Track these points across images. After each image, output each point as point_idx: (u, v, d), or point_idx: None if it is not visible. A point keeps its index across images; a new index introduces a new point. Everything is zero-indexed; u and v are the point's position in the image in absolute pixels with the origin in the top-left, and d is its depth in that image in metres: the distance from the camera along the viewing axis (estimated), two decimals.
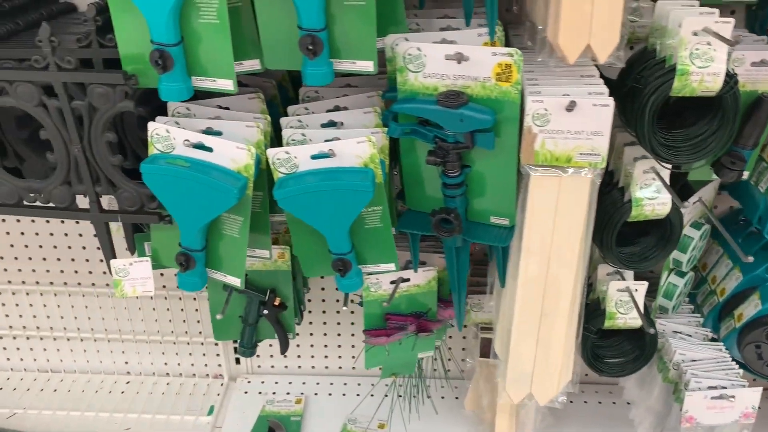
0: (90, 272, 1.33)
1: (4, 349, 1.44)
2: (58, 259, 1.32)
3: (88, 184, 0.83)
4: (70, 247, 1.31)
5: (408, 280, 1.00)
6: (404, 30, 0.84)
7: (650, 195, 0.94)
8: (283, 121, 0.87)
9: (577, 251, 0.83)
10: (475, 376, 1.30)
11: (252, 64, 0.82)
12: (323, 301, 1.36)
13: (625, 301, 1.04)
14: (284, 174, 0.82)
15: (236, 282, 0.89)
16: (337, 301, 1.36)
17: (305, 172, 0.82)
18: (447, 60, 0.78)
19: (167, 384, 1.42)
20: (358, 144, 0.80)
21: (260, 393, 1.39)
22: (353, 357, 1.42)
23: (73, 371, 1.44)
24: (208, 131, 0.84)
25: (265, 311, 1.11)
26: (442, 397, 1.36)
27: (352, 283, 0.88)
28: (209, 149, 0.81)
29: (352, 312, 1.37)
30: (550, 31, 0.77)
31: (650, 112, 0.81)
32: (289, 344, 1.16)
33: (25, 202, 0.86)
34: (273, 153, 0.81)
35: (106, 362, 1.43)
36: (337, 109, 0.91)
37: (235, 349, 1.40)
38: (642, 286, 1.03)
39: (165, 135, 0.81)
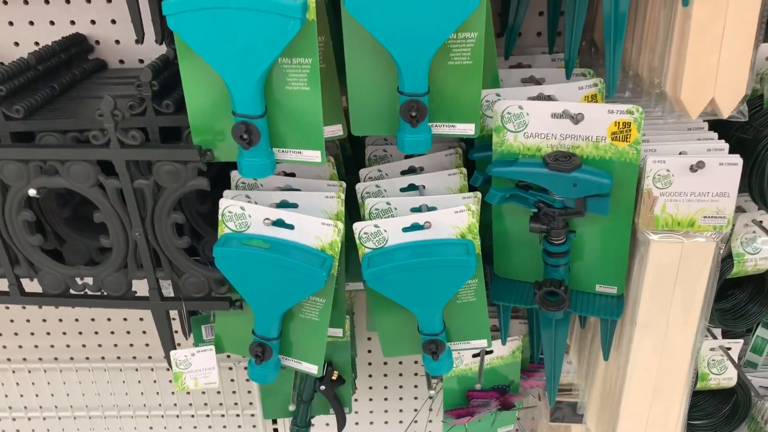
0: (115, 345, 1.22)
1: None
2: (64, 334, 1.21)
3: (149, 270, 0.73)
4: (77, 320, 1.20)
5: (491, 352, 0.91)
6: (497, 85, 0.77)
7: (752, 250, 0.87)
8: (359, 187, 0.79)
9: (697, 323, 0.76)
10: None
11: (334, 131, 0.73)
12: (369, 364, 1.26)
13: (717, 360, 0.97)
14: (372, 249, 0.73)
15: (313, 370, 0.79)
16: (385, 363, 1.26)
17: (397, 247, 0.73)
18: (553, 119, 0.70)
19: None
20: (456, 214, 0.72)
21: None
22: (400, 422, 1.33)
23: None
24: (283, 204, 0.75)
25: (322, 387, 1.02)
26: None
27: (443, 365, 0.79)
28: (290, 226, 0.71)
29: (401, 374, 1.28)
30: (669, 85, 0.70)
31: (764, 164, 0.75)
32: (346, 421, 1.06)
33: (73, 291, 0.76)
34: (360, 227, 0.72)
35: None
36: (413, 170, 0.82)
37: (275, 429, 1.30)
38: (737, 345, 0.96)
39: (239, 212, 0.71)
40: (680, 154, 0.72)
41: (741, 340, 0.94)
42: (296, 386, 0.97)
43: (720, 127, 0.77)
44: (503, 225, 0.79)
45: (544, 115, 0.70)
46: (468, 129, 0.69)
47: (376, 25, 0.61)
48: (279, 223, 0.71)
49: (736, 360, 0.95)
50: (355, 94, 0.68)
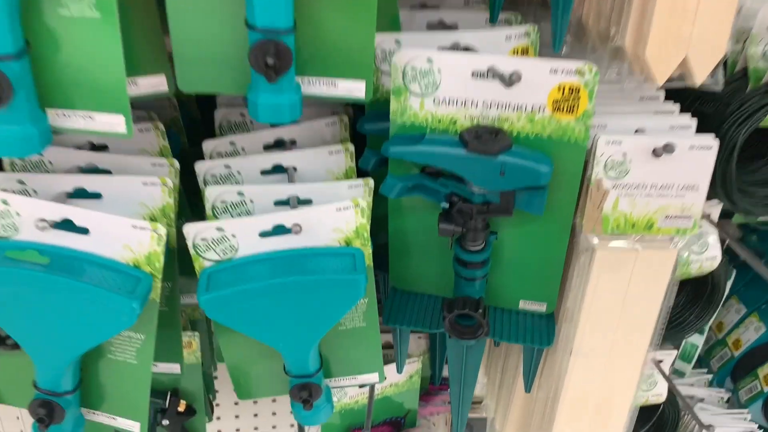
0: None
1: None
2: None
3: None
4: None
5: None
6: (396, 28, 0.55)
7: (698, 248, 0.72)
8: (200, 168, 0.55)
9: (647, 349, 0.59)
10: None
11: (154, 84, 0.49)
12: None
13: (646, 374, 0.82)
14: (214, 262, 0.50)
15: (134, 427, 0.56)
16: None
17: (251, 260, 0.50)
18: (475, 79, 0.50)
19: None
20: (338, 212, 0.50)
21: None
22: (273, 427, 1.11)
23: None
24: (79, 193, 0.50)
25: (165, 421, 0.78)
26: None
27: (319, 414, 0.58)
28: (83, 230, 0.47)
29: None
30: (629, 38, 0.51)
31: (732, 147, 0.59)
32: None
33: None
34: (195, 231, 0.49)
35: None
36: (280, 144, 0.60)
37: None
38: (669, 356, 0.81)
39: (2, 209, 0.46)
40: (636, 132, 0.54)
41: (674, 351, 0.80)
42: None
43: (672, 96, 0.60)
44: (402, 223, 0.58)
45: (463, 73, 0.49)
46: (356, 89, 0.47)
47: None
48: (67, 226, 0.47)
49: (666, 373, 0.81)
50: (180, 29, 0.44)
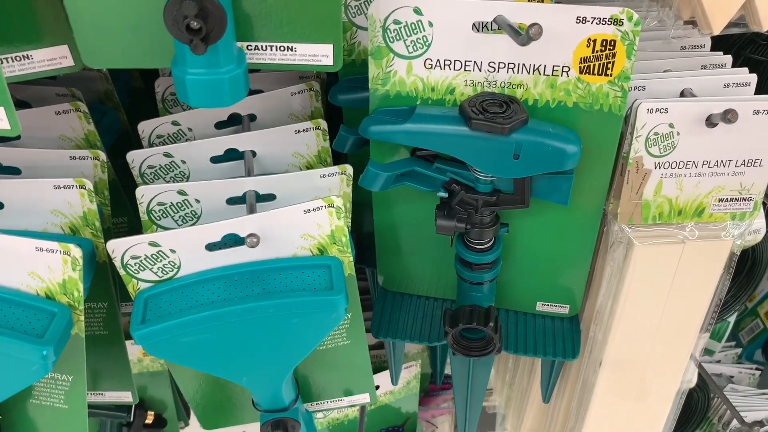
0: None
1: None
2: None
3: None
4: None
5: (377, 387, 0.61)
6: None
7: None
8: (134, 159, 0.44)
9: (689, 355, 0.49)
10: None
11: (53, 57, 0.37)
12: None
13: None
14: (152, 284, 0.39)
15: None
16: None
17: (198, 278, 0.39)
18: (477, 33, 0.38)
19: None
20: (306, 214, 0.39)
21: None
22: None
23: None
24: None
25: None
26: None
27: None
28: None
29: None
30: None
31: None
32: None
33: None
34: (122, 248, 0.38)
35: None
36: (236, 120, 0.48)
37: None
38: (702, 339, 0.72)
39: None
40: (682, 94, 0.42)
41: (707, 334, 0.70)
42: None
43: (716, 43, 0.48)
44: (391, 217, 0.47)
45: (462, 26, 0.38)
46: (321, 55, 0.35)
47: None
48: None
49: (697, 356, 0.71)
50: None
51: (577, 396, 0.53)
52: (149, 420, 0.69)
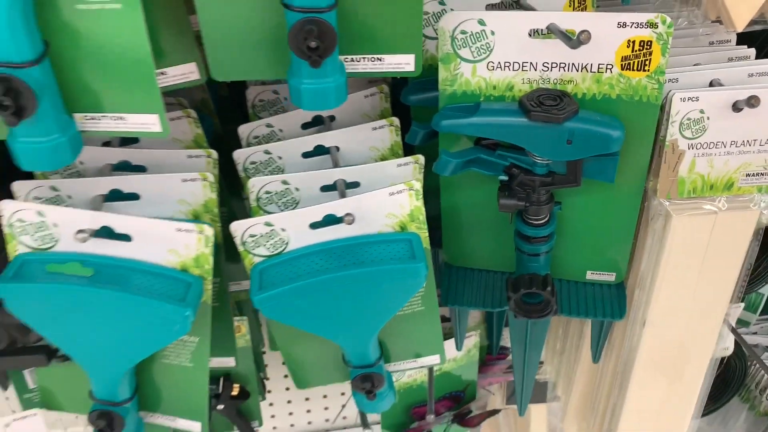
0: None
1: None
2: None
3: None
4: None
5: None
6: None
7: None
8: (239, 156, 0.52)
9: (724, 315, 0.55)
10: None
11: (185, 73, 0.45)
12: None
13: None
14: (265, 258, 0.47)
15: (195, 427, 0.54)
16: None
17: (304, 253, 0.47)
18: (533, 39, 0.45)
19: None
20: (391, 197, 0.46)
21: None
22: (326, 408, 1.11)
23: None
24: (115, 194, 0.47)
25: (220, 406, 0.77)
26: None
27: (382, 402, 0.55)
28: (125, 237, 0.44)
29: None
30: None
31: None
32: None
33: None
34: (243, 229, 0.46)
35: None
36: (318, 122, 0.56)
37: None
38: (737, 309, 0.77)
39: (37, 221, 0.43)
40: (711, 84, 0.49)
41: (742, 304, 0.76)
42: None
43: (742, 39, 0.54)
44: (456, 199, 0.54)
45: (519, 34, 0.45)
46: (404, 63, 0.43)
47: None
48: (106, 233, 0.44)
49: (732, 325, 0.77)
50: (209, 11, 0.40)
51: (624, 356, 0.59)
52: (235, 392, 0.77)
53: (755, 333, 0.91)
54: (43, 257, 0.44)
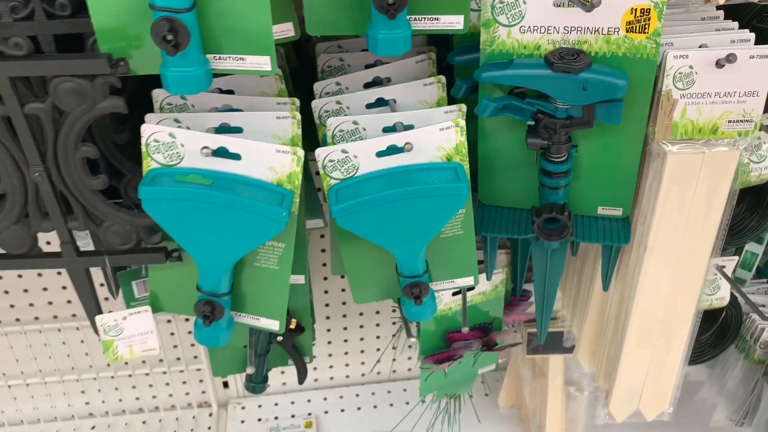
0: (31, 305, 1.06)
1: None
2: None
3: (58, 219, 0.57)
4: None
5: (472, 288, 0.80)
6: None
7: (757, 158, 0.78)
8: (315, 105, 0.64)
9: (713, 243, 0.67)
10: (510, 372, 1.14)
11: (283, 30, 0.58)
12: (326, 305, 1.15)
13: (710, 280, 0.89)
14: (340, 180, 0.60)
15: (274, 326, 0.66)
16: (344, 303, 1.15)
17: (371, 176, 0.59)
18: (556, 8, 0.57)
19: (143, 422, 1.18)
20: (441, 131, 0.59)
21: (260, 420, 1.18)
22: (362, 363, 1.23)
23: (19, 422, 1.16)
24: (223, 128, 0.59)
25: (279, 338, 0.89)
26: (470, 396, 1.19)
27: (426, 309, 0.67)
28: (235, 156, 0.57)
29: (361, 314, 1.17)
30: None
31: None
32: (307, 372, 0.94)
33: None
34: (324, 154, 0.58)
35: (61, 406, 1.16)
36: (377, 82, 0.68)
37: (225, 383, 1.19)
38: (731, 262, 0.88)
39: (168, 141, 0.56)
40: (700, 47, 0.60)
41: (735, 257, 0.87)
42: (252, 343, 0.84)
43: (731, 16, 0.66)
44: (490, 143, 0.66)
45: (545, 4, 0.57)
46: (455, 22, 0.55)
47: None
48: (221, 153, 0.57)
49: (730, 276, 0.88)
50: None
51: (629, 282, 0.70)
52: (292, 326, 0.89)
53: (752, 293, 1.01)
54: (172, 171, 0.56)
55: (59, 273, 1.03)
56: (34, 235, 0.59)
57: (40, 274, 1.03)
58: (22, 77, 0.51)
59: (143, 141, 0.56)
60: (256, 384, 0.92)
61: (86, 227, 0.58)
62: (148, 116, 0.58)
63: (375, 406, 1.19)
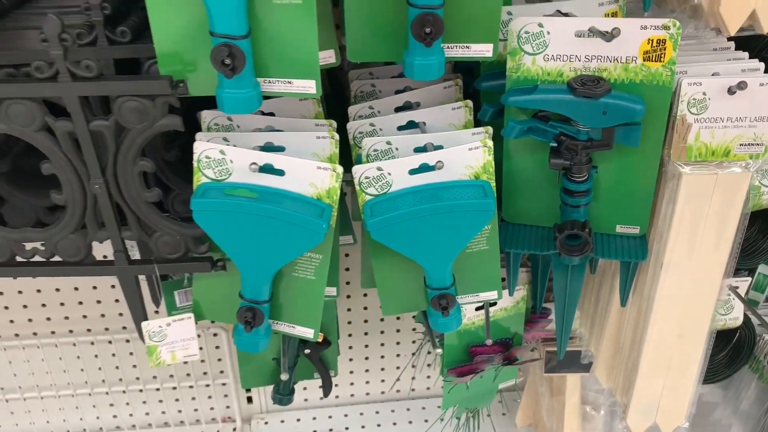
0: (84, 317, 1.10)
1: None
2: (24, 307, 1.08)
3: (113, 229, 0.62)
4: (39, 291, 1.07)
5: (495, 304, 0.84)
6: (507, 2, 0.67)
7: None
8: (351, 126, 0.69)
9: (726, 261, 0.70)
10: (528, 391, 1.17)
11: (325, 57, 0.62)
12: (349, 323, 1.18)
13: (723, 300, 0.92)
14: (374, 196, 0.64)
15: (309, 334, 0.70)
16: (365, 321, 1.18)
17: (403, 192, 0.64)
18: (577, 38, 0.62)
19: None
20: (470, 151, 0.63)
21: None
22: (383, 380, 1.26)
23: None
24: (267, 147, 0.64)
25: (307, 350, 0.93)
26: (488, 415, 1.22)
27: (453, 321, 0.71)
28: (279, 172, 0.61)
29: (382, 332, 1.20)
30: None
31: None
32: (332, 385, 0.98)
33: (20, 258, 0.64)
34: (361, 171, 0.63)
35: (89, 419, 1.20)
36: (408, 106, 0.73)
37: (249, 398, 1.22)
38: (744, 282, 0.91)
39: (219, 158, 0.60)
40: (713, 75, 0.64)
41: (749, 278, 0.90)
42: (285, 352, 0.88)
43: (742, 47, 0.70)
44: (514, 163, 0.70)
45: (567, 34, 0.62)
46: (485, 50, 0.60)
47: None
48: (266, 169, 0.61)
49: (743, 296, 0.91)
50: (354, 12, 0.57)
51: (646, 298, 0.74)
52: (320, 339, 0.93)
53: (765, 316, 1.03)
54: (221, 185, 0.61)
55: (95, 288, 1.08)
56: (89, 243, 0.63)
57: (76, 288, 1.07)
58: (89, 97, 0.56)
59: (195, 157, 0.61)
60: (284, 396, 0.96)
61: (139, 237, 0.62)
62: (198, 135, 0.63)
63: (394, 423, 1.22)
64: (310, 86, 0.57)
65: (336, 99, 0.84)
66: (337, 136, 0.64)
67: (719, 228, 0.68)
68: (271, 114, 0.69)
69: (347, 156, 0.69)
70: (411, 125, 0.70)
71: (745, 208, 0.67)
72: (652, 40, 0.60)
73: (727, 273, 0.71)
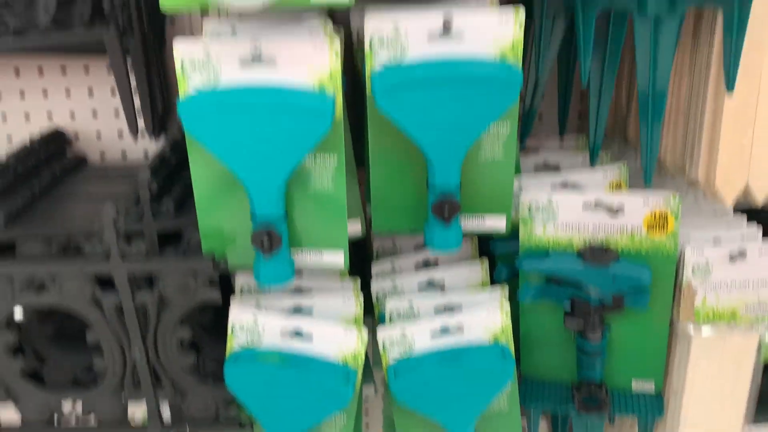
0: None
1: None
2: None
3: (149, 392, 0.65)
4: None
5: None
6: (517, 171, 0.73)
7: None
8: (374, 287, 0.73)
9: (743, 418, 0.71)
10: None
11: (352, 229, 0.67)
12: None
13: None
14: (397, 358, 0.67)
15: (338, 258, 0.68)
16: None
17: (425, 356, 0.67)
18: (585, 210, 0.67)
19: None
20: (489, 315, 0.66)
21: None
22: None
23: None
24: (296, 309, 0.68)
25: None
26: None
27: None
28: (307, 336, 0.65)
29: None
30: (701, 171, 0.68)
31: None
32: None
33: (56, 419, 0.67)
34: (385, 334, 0.66)
35: None
36: (426, 263, 0.77)
37: None
38: (761, 427, 0.91)
39: (251, 325, 0.64)
40: (714, 240, 0.69)
41: (764, 425, 0.90)
42: None
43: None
44: (531, 322, 0.74)
45: (575, 207, 0.67)
46: (498, 224, 0.65)
47: (409, 123, 0.57)
48: (295, 333, 0.65)
49: None
50: (379, 189, 0.63)
51: None
52: None
53: None
54: (253, 352, 0.64)
55: None
56: (125, 405, 0.66)
57: None
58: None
59: (230, 325, 0.64)
60: None
61: (174, 399, 0.65)
62: (233, 300, 0.67)
63: None
64: (338, 258, 0.62)
65: (355, 251, 0.89)
66: (361, 298, 0.68)
67: (733, 384, 0.70)
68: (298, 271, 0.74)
69: (368, 300, 0.72)
70: (429, 284, 0.74)
71: (758, 363, 0.69)
72: (655, 214, 0.65)
73: (747, 421, 0.72)
